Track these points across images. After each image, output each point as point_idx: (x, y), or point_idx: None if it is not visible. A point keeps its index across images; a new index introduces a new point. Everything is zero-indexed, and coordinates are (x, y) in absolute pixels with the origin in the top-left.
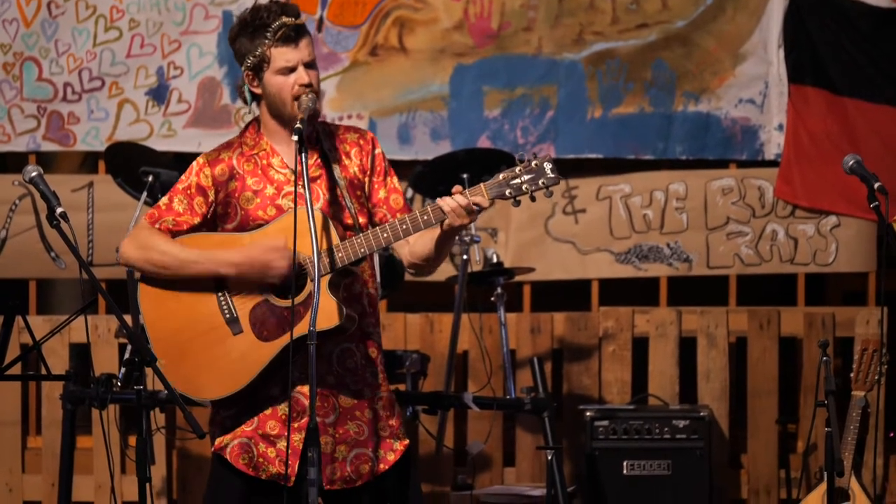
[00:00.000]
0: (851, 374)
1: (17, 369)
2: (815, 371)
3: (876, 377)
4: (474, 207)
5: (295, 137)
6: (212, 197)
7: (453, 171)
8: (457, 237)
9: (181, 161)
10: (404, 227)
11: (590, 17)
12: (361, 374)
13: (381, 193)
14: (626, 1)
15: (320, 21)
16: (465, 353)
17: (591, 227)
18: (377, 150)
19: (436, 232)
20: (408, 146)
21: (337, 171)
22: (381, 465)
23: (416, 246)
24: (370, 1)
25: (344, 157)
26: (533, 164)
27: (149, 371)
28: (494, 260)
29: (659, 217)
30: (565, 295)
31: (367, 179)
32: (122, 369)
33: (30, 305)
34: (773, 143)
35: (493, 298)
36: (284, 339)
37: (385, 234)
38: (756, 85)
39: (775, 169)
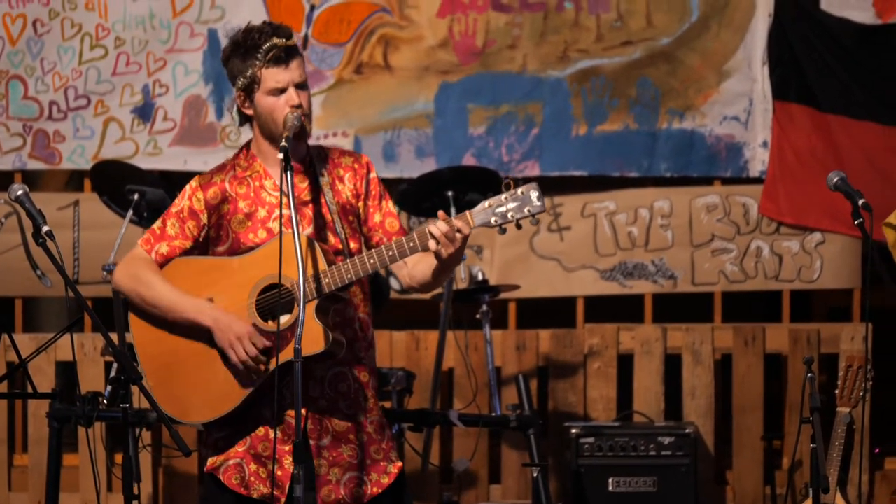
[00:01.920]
0: (836, 391)
1: (3, 387)
2: (801, 387)
3: (861, 393)
4: (457, 235)
5: (280, 155)
6: (204, 220)
7: (438, 189)
8: (454, 268)
9: (167, 179)
10: (391, 253)
11: (574, 35)
12: (354, 398)
13: (377, 217)
14: (610, 18)
15: (305, 39)
16: (451, 371)
17: (576, 244)
18: (372, 175)
19: (434, 260)
20: (393, 164)
21: (329, 195)
22: (375, 489)
23: (414, 270)
24: (355, 19)
25: (337, 182)
26: (519, 191)
27: (135, 389)
28: (479, 277)
29: (644, 234)
30: (550, 312)
31: (361, 204)
32: (108, 387)
33: (16, 323)
34: (758, 159)
35: (478, 316)
36: (271, 364)
37: (372, 261)
38: (740, 102)
39: (760, 186)
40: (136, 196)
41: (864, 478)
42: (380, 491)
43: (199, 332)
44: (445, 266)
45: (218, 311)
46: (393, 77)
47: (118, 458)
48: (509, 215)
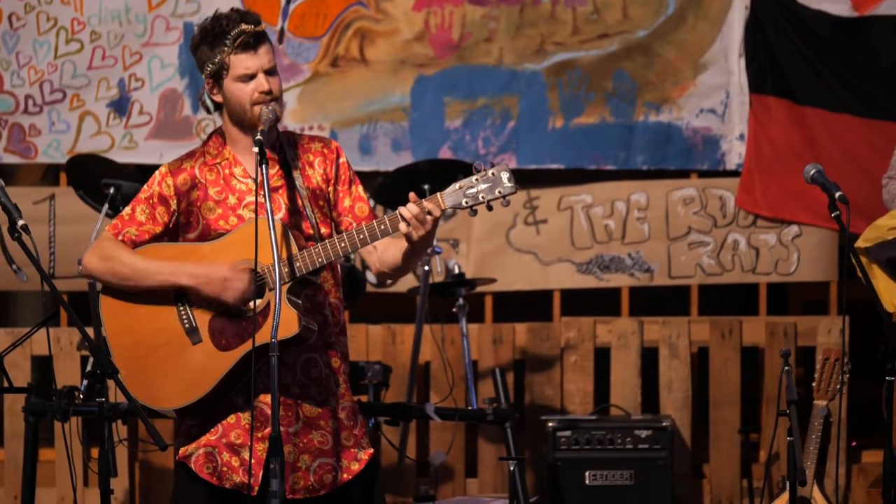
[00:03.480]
0: (813, 384)
1: None
2: (777, 380)
3: (838, 386)
4: (427, 217)
5: (255, 149)
6: (173, 206)
7: (415, 183)
8: (425, 251)
9: (143, 173)
10: (361, 236)
11: (550, 28)
12: (326, 384)
13: (347, 202)
14: (586, 11)
15: (281, 32)
16: (427, 364)
17: (552, 237)
18: (341, 159)
19: (404, 243)
20: (369, 157)
21: (299, 180)
22: (345, 475)
23: (384, 255)
24: (331, 12)
25: (307, 167)
26: (490, 173)
27: (111, 383)
28: (456, 271)
29: (620, 227)
30: (527, 305)
31: (330, 189)
32: (85, 381)
33: None
34: (735, 152)
35: (454, 309)
36: (243, 349)
37: (343, 244)
38: (717, 94)
39: (737, 179)
40: (111, 190)
41: (841, 471)
42: (350, 477)
43: (170, 300)
44: (416, 249)
45: (190, 266)
46: (369, 70)
47: (94, 452)
48: (480, 196)
